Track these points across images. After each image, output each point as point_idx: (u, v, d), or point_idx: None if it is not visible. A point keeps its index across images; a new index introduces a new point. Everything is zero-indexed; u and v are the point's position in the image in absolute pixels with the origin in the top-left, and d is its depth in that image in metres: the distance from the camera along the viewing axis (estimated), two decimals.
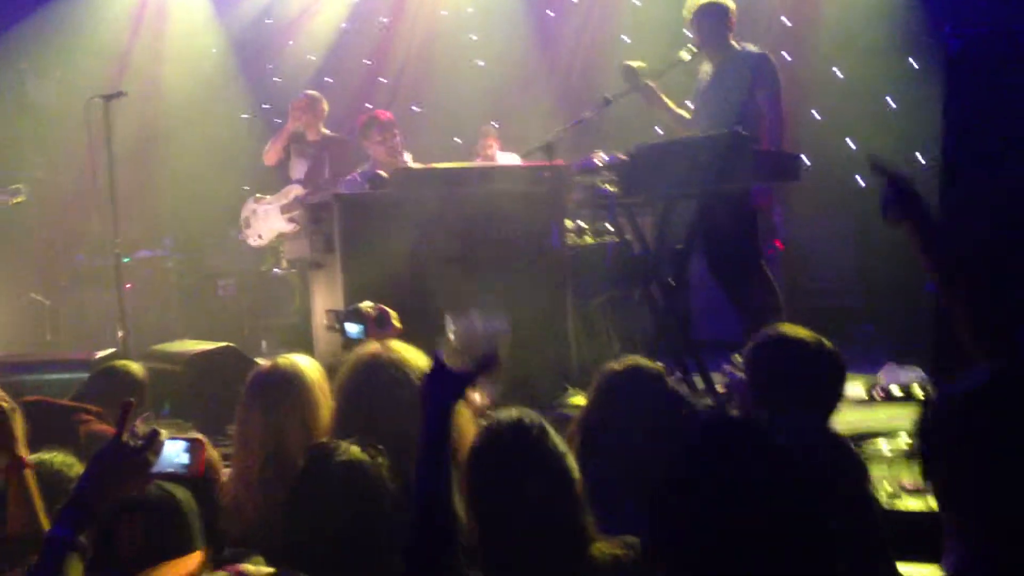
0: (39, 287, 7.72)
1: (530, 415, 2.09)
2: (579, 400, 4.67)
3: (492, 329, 2.28)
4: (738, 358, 2.76)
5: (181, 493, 2.12)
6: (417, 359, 2.54)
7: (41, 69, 8.15)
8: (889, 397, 4.56)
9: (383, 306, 3.65)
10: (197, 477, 2.03)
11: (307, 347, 6.05)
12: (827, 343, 2.55)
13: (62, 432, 3.36)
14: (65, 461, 2.62)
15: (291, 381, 2.73)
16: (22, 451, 2.31)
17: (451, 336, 2.27)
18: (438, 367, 2.12)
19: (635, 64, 5.14)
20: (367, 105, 9.42)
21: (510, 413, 2.11)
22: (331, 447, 2.26)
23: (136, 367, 3.83)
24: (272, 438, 2.74)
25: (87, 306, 7.52)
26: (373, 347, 2.64)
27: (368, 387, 2.51)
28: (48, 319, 7.60)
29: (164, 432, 1.94)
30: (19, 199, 6.55)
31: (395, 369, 2.51)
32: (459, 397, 2.13)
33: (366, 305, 3.68)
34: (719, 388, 4.54)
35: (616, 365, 2.73)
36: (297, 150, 6.70)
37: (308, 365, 2.81)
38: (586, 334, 5.02)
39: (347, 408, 2.55)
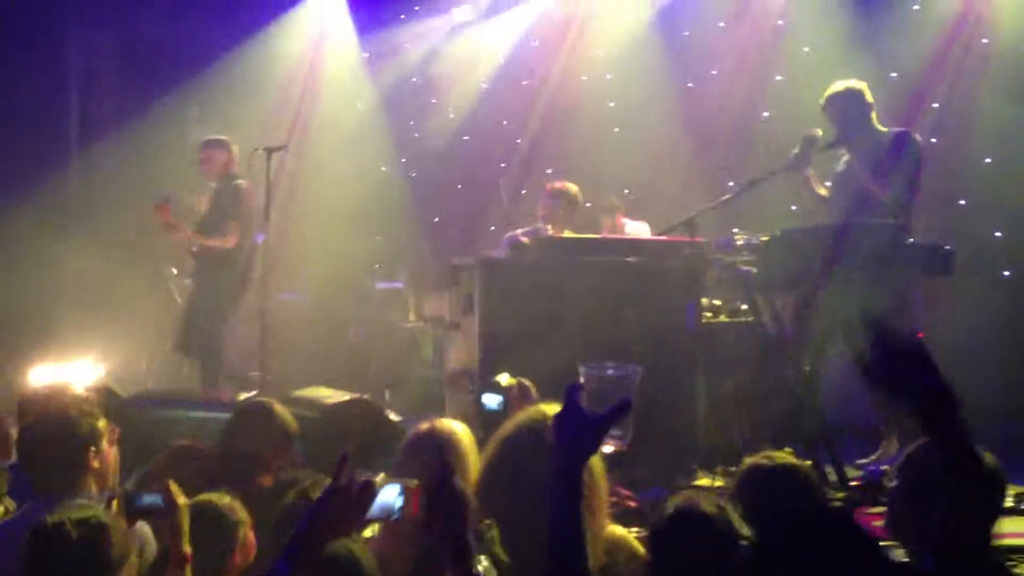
0: None
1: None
2: (705, 482, 4.63)
3: (624, 374, 2.28)
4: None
5: (359, 550, 2.22)
6: None
7: (206, 117, 8.66)
8: None
9: (524, 380, 3.72)
10: (411, 521, 2.11)
11: (434, 402, 6.20)
12: (988, 455, 2.49)
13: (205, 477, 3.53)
14: (231, 505, 2.78)
15: (448, 445, 2.85)
16: (186, 546, 2.47)
17: (582, 381, 2.26)
18: (573, 408, 1.95)
19: (819, 133, 5.11)
20: (502, 165, 9.67)
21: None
22: None
23: (289, 418, 3.96)
24: None
25: (226, 344, 7.85)
26: (548, 411, 2.65)
27: (528, 459, 2.55)
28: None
29: (380, 477, 2.03)
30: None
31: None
32: (597, 446, 2.00)
33: (505, 379, 3.77)
34: (852, 482, 4.44)
35: (765, 461, 2.72)
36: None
37: (463, 431, 2.94)
38: (715, 415, 4.97)
39: (501, 474, 2.61)
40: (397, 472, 2.96)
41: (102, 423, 3.07)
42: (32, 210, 7.95)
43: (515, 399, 3.48)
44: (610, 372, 2.31)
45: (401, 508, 2.06)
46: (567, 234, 5.86)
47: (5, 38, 8.22)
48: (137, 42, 8.88)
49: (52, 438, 2.94)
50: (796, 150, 5.15)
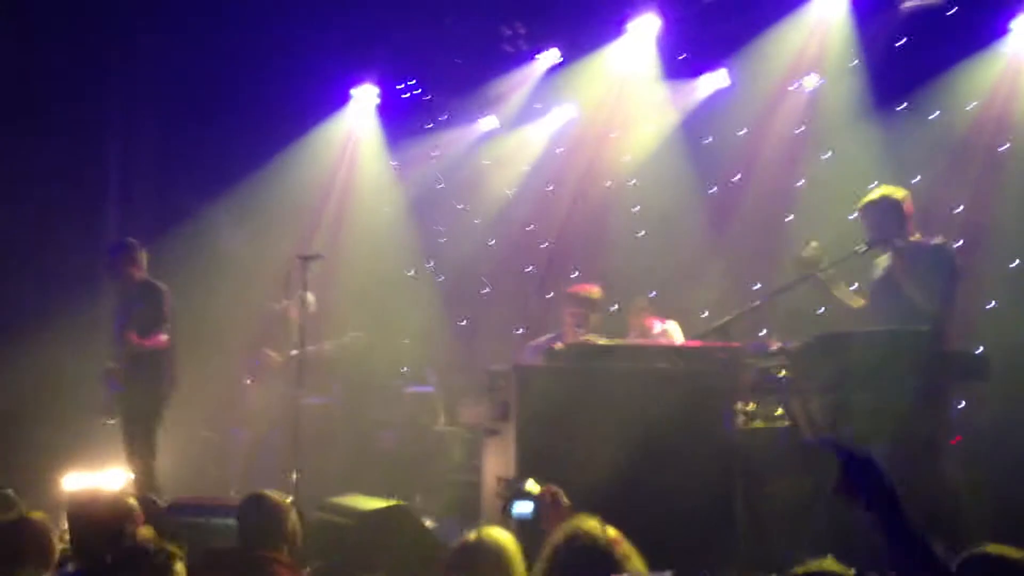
0: (214, 424, 8.16)
1: None
2: None
3: None
4: None
5: None
6: (634, 557, 2.59)
7: (237, 222, 8.86)
8: None
9: (552, 486, 3.73)
10: None
11: (465, 505, 6.16)
12: None
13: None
14: None
15: (496, 554, 2.89)
16: None
17: None
18: None
19: (807, 255, 5.20)
20: (527, 269, 9.79)
21: None
22: None
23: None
24: None
25: (258, 446, 7.87)
26: (592, 530, 2.69)
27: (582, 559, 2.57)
28: (215, 456, 7.98)
29: None
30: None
31: (613, 562, 2.57)
32: None
33: (533, 485, 3.78)
34: None
35: (813, 567, 2.71)
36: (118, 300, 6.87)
37: (509, 540, 2.96)
38: (755, 523, 4.92)
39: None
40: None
41: (174, 549, 3.10)
42: (66, 317, 8.07)
43: (546, 506, 3.50)
44: None
45: None
46: (599, 340, 5.91)
47: (47, 150, 8.48)
48: (174, 152, 9.16)
49: (130, 558, 2.99)
50: (798, 275, 5.21)
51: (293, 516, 3.94)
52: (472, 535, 3.05)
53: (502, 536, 3.02)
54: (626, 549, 2.63)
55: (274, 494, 4.10)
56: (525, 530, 3.64)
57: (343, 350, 8.00)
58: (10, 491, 5.00)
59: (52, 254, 8.42)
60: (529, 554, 3.46)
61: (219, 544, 4.37)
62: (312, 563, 4.82)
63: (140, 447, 6.50)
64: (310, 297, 7.17)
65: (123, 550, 3.00)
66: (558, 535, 2.82)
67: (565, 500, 3.70)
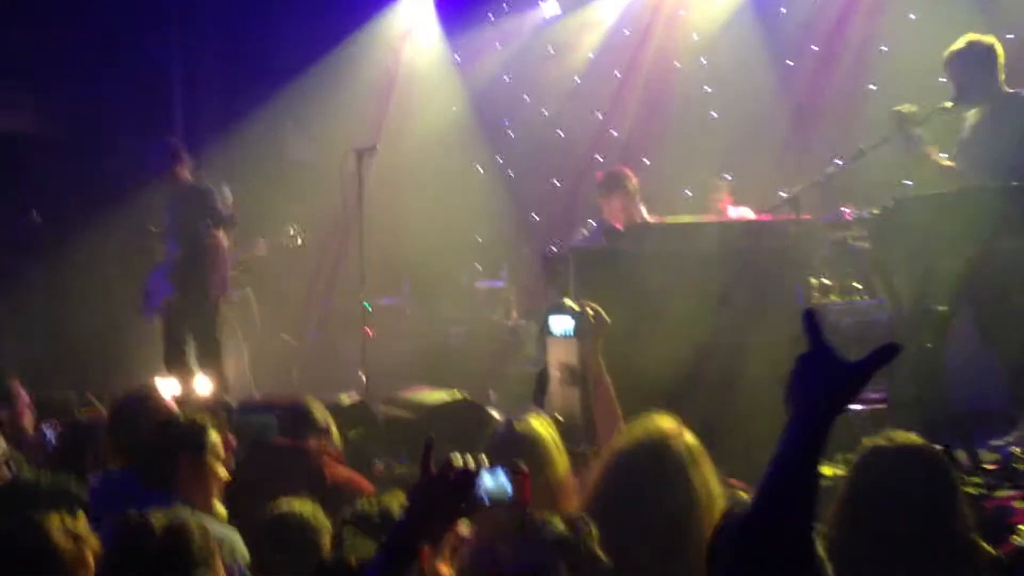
0: (290, 329, 8.24)
1: None
2: (827, 471, 4.38)
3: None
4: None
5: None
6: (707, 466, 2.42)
7: (302, 126, 8.78)
8: None
9: (590, 303, 3.44)
10: (523, 508, 1.96)
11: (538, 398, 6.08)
12: None
13: (303, 473, 3.56)
14: (314, 513, 2.74)
15: (530, 443, 2.74)
16: None
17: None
18: (822, 349, 1.48)
19: (905, 110, 4.80)
20: (597, 157, 9.50)
21: None
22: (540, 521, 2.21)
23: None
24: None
25: (332, 349, 7.93)
26: (666, 428, 2.52)
27: (648, 476, 2.43)
28: (295, 360, 8.08)
29: (484, 460, 1.91)
30: (298, 240, 6.95)
31: (682, 463, 2.41)
32: (853, 399, 1.49)
33: (572, 302, 3.55)
34: (987, 466, 4.12)
35: (883, 441, 2.52)
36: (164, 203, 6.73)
37: (541, 425, 2.81)
38: None
39: (614, 490, 2.48)
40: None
41: (213, 436, 3.07)
42: (136, 219, 8.15)
43: (586, 322, 3.26)
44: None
45: (511, 495, 1.90)
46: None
47: (114, 56, 8.46)
48: (237, 51, 9.08)
49: (151, 437, 3.01)
50: (895, 133, 4.81)
51: (321, 413, 3.91)
52: (503, 424, 2.88)
53: (536, 423, 2.81)
54: (698, 456, 2.44)
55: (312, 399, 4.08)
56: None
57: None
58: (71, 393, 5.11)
59: (118, 156, 8.43)
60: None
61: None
62: (380, 457, 4.82)
63: (204, 348, 6.53)
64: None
65: (155, 424, 3.00)
66: (628, 433, 2.63)
67: (606, 317, 3.43)
